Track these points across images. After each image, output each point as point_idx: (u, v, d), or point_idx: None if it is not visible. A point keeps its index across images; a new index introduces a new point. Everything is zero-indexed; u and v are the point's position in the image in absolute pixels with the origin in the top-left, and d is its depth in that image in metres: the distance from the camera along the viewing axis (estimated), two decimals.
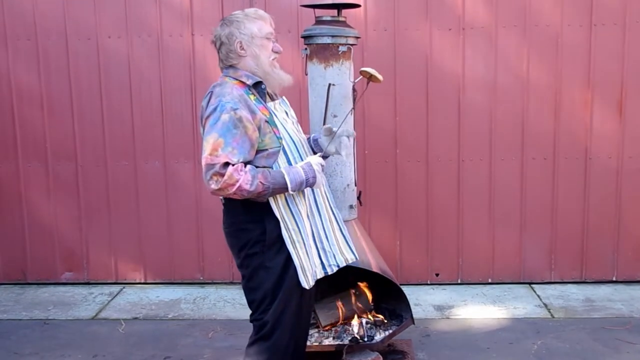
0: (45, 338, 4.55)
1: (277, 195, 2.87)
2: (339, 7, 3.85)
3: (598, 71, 5.13)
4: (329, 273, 3.05)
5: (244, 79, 2.90)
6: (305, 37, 3.82)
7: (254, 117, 2.79)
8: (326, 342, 3.88)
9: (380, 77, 3.20)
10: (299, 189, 2.86)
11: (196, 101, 5.30)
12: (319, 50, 3.78)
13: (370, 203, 5.22)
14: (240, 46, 2.90)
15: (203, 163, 2.74)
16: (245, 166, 2.77)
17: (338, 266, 3.08)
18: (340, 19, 3.84)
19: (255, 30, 2.90)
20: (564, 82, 5.16)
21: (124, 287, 5.52)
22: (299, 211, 2.94)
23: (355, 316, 3.98)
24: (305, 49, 3.82)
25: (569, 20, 5.10)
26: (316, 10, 3.91)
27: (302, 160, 2.94)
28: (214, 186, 2.72)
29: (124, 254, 5.53)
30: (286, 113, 3.03)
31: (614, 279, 5.37)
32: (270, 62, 2.94)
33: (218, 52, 2.98)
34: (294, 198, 2.92)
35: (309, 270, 2.97)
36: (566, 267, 5.37)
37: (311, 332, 3.93)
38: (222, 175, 2.70)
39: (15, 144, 5.45)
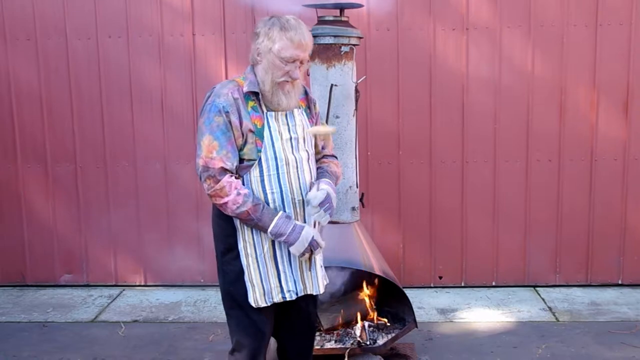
0: (44, 341, 4.52)
1: None
2: (341, 6, 3.82)
3: (603, 72, 5.09)
4: (287, 299, 2.93)
5: (245, 84, 2.85)
6: None
7: (240, 124, 2.78)
8: (328, 345, 3.87)
9: (329, 129, 3.10)
10: (275, 238, 2.82)
11: (197, 102, 5.26)
12: (321, 51, 3.76)
13: (373, 205, 5.18)
14: (258, 53, 2.85)
15: (200, 163, 2.77)
16: (242, 187, 2.77)
17: (297, 294, 2.95)
18: (343, 18, 3.82)
19: (275, 48, 2.79)
20: (569, 82, 5.12)
21: (123, 290, 5.48)
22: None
23: (358, 319, 3.94)
24: None
25: (574, 20, 5.05)
26: (318, 10, 3.88)
27: (278, 177, 2.84)
28: (206, 189, 2.78)
29: (124, 256, 5.49)
30: (288, 127, 2.89)
31: (620, 282, 5.33)
32: (275, 83, 2.82)
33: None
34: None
35: (259, 289, 2.88)
36: (571, 270, 5.33)
37: None
38: (217, 182, 2.74)
39: (14, 144, 5.41)
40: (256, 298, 2.88)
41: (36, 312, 5.04)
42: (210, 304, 5.12)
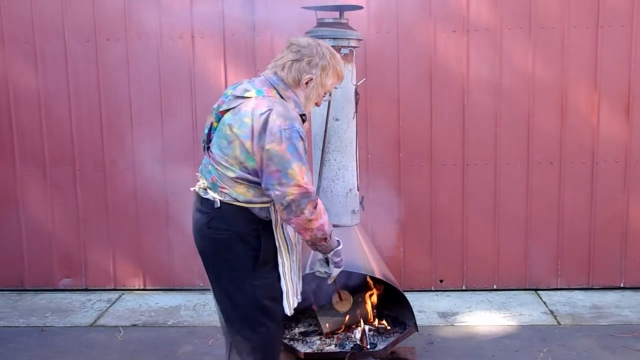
0: (43, 345, 4.49)
1: (279, 217, 2.86)
2: (341, 8, 3.80)
3: (605, 73, 5.06)
4: (297, 303, 3.09)
5: (292, 106, 2.82)
6: None
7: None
8: (328, 349, 3.83)
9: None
10: (332, 257, 2.98)
11: (196, 104, 5.24)
12: None
13: (373, 208, 5.13)
14: (307, 82, 2.86)
15: (294, 192, 2.68)
16: None
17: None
18: (342, 20, 3.79)
19: (327, 83, 2.90)
20: (570, 84, 5.09)
21: (122, 294, 5.45)
22: (290, 237, 2.96)
23: (359, 323, 3.92)
24: None
25: (575, 21, 5.03)
26: (318, 12, 3.85)
27: None
28: (307, 215, 2.71)
29: (123, 259, 5.47)
30: None
31: (622, 285, 5.30)
32: (308, 110, 2.95)
33: (289, 59, 2.88)
34: (288, 228, 2.94)
35: (292, 297, 2.99)
36: (573, 273, 5.30)
37: (313, 339, 3.92)
38: (315, 206, 2.75)
39: (12, 147, 5.38)
40: (290, 307, 2.98)
41: (34, 316, 5.01)
42: (209, 308, 5.08)
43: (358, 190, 3.93)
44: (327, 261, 3.03)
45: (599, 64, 5.06)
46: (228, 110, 2.83)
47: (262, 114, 2.70)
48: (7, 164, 5.40)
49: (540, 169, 5.19)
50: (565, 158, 5.17)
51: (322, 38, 3.69)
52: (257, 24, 5.15)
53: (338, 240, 2.98)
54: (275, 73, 2.88)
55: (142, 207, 5.38)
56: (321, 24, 3.78)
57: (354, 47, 3.77)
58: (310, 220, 2.73)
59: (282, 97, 2.83)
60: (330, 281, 3.15)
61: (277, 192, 2.69)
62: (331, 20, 3.77)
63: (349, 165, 3.83)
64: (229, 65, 5.21)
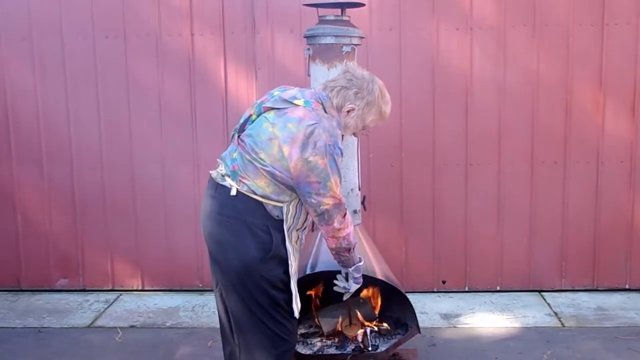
0: (40, 347, 4.45)
1: (290, 217, 2.91)
2: (342, 6, 3.76)
3: (610, 72, 5.01)
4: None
5: (335, 124, 2.89)
6: (308, 37, 3.73)
7: None
8: (329, 351, 3.80)
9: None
10: (352, 272, 3.09)
11: (195, 103, 5.19)
12: (321, 51, 3.69)
13: (375, 208, 5.11)
14: (348, 111, 2.95)
15: (330, 202, 2.82)
16: None
17: None
18: (344, 18, 3.75)
19: (368, 119, 3.00)
20: (575, 83, 5.04)
21: (120, 294, 5.41)
22: (302, 243, 3.07)
23: (360, 325, 3.88)
24: (308, 49, 3.74)
25: (580, 19, 4.98)
26: (319, 9, 3.81)
27: None
28: (336, 225, 2.87)
29: (121, 260, 5.42)
30: None
31: (627, 286, 5.26)
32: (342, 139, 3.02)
33: (339, 84, 2.97)
34: (298, 234, 3.01)
35: (297, 299, 3.00)
36: (577, 275, 5.26)
37: (314, 340, 3.88)
38: (344, 215, 2.89)
39: (9, 146, 5.33)
40: (297, 309, 3.01)
41: (31, 317, 4.97)
42: (208, 309, 5.04)
43: (360, 190, 3.89)
44: (346, 277, 3.13)
45: (604, 62, 5.01)
46: (273, 108, 2.90)
47: (309, 125, 2.78)
48: (4, 163, 5.34)
49: (544, 169, 5.14)
50: (569, 158, 5.12)
51: (323, 36, 3.66)
52: (258, 21, 5.10)
53: (360, 257, 3.11)
54: (326, 89, 2.98)
55: (140, 206, 5.34)
56: (323, 21, 3.74)
57: (355, 44, 3.72)
58: (338, 230, 2.88)
59: (331, 117, 2.93)
60: (347, 297, 3.21)
61: (314, 201, 2.81)
62: (333, 18, 3.73)
63: (350, 164, 3.79)
64: (228, 64, 5.16)
